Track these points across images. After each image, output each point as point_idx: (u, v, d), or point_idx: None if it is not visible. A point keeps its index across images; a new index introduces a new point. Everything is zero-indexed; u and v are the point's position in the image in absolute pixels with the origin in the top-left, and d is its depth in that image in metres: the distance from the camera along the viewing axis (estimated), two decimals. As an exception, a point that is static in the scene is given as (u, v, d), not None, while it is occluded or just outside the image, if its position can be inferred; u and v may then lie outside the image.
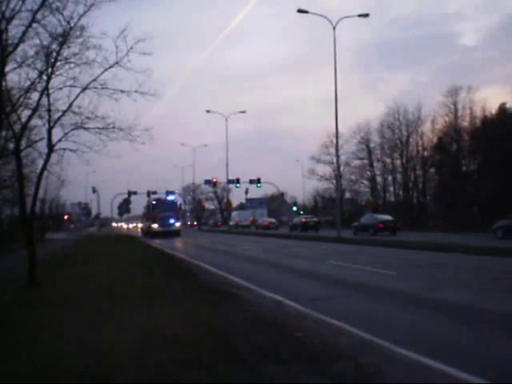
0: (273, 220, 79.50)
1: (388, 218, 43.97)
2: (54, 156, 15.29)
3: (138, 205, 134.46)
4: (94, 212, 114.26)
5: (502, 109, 56.25)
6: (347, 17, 39.03)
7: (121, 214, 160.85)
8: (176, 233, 55.11)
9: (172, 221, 55.82)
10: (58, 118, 14.53)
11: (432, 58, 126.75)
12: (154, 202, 59.06)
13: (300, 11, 37.41)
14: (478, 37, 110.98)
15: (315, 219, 58.67)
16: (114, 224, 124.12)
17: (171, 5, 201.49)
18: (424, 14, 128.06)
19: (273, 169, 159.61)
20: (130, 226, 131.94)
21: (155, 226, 55.24)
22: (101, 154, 15.57)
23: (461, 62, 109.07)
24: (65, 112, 14.52)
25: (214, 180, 77.59)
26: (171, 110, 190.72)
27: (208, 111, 68.54)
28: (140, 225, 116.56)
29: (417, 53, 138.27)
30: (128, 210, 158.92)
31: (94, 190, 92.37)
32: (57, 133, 14.76)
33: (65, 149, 15.30)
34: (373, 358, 6.55)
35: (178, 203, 63.20)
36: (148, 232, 57.83)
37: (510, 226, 29.59)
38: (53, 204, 66.39)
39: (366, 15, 38.79)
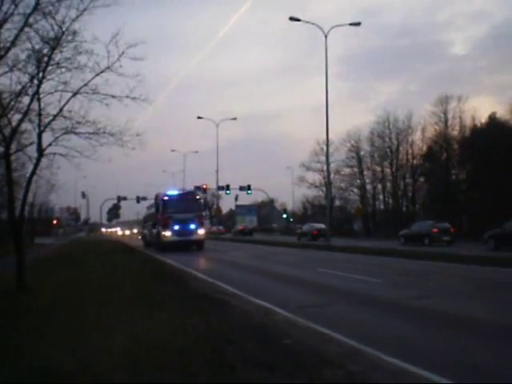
0: (221, 227, 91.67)
1: (322, 226, 50.91)
2: (43, 160, 15.25)
3: (128, 210, 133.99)
4: (83, 217, 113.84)
5: (492, 118, 56.60)
6: (339, 25, 39.20)
7: (110, 219, 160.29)
8: (198, 244, 37.54)
9: (193, 226, 37.20)
10: (49, 123, 14.49)
11: (422, 67, 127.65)
12: (165, 198, 38.07)
13: (292, 19, 37.57)
14: (468, 46, 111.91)
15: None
16: (103, 229, 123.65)
17: (162, 11, 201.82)
18: (413, 23, 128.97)
19: (263, 176, 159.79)
20: (127, 231, 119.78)
21: (167, 233, 36.68)
22: (91, 159, 15.51)
23: (450, 72, 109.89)
24: (55, 116, 14.48)
25: (204, 186, 77.44)
26: (162, 116, 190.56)
27: (199, 117, 68.48)
28: (135, 230, 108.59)
29: (407, 62, 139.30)
30: (117, 216, 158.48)
31: (84, 195, 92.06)
32: (47, 137, 14.71)
33: (55, 153, 15.25)
34: (361, 366, 6.56)
35: (202, 200, 43.45)
36: (156, 242, 39.33)
37: (501, 236, 29.63)
38: (42, 208, 66.16)
39: (358, 24, 39.02)
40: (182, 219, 36.63)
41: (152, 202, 40.47)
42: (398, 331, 8.94)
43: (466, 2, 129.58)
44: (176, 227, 36.48)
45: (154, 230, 40.23)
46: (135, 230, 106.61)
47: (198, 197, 40.04)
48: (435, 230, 37.26)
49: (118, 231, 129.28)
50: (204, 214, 41.01)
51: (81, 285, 14.45)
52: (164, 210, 37.17)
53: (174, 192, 39.39)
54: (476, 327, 9.08)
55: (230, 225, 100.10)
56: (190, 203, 38.12)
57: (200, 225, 37.71)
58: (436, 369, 6.43)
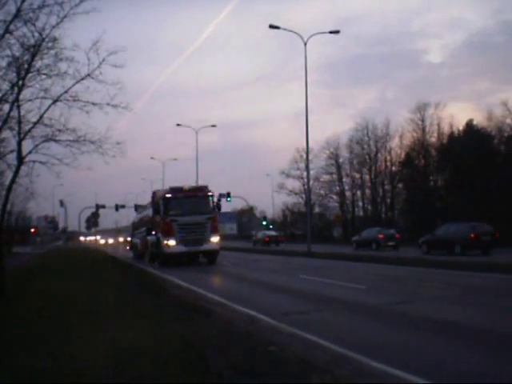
0: None
1: (273, 233, 63.02)
2: (23, 168, 15.12)
3: (106, 219, 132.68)
4: (61, 225, 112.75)
5: (469, 125, 57.31)
6: (318, 33, 39.37)
7: (88, 227, 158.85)
8: (210, 256, 29.72)
9: (204, 232, 28.75)
10: (29, 130, 14.39)
11: (399, 74, 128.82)
12: (167, 196, 29.21)
13: (272, 27, 37.65)
14: (445, 54, 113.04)
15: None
16: (81, 238, 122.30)
17: (141, 18, 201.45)
18: (391, 31, 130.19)
19: (242, 183, 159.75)
20: (110, 240, 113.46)
21: (171, 242, 28.33)
22: (71, 167, 15.43)
23: (428, 79, 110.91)
24: (35, 124, 14.39)
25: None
26: (141, 123, 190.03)
27: (178, 125, 68.15)
28: (121, 239, 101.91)
29: (385, 69, 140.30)
30: (96, 224, 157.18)
31: (62, 203, 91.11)
32: (27, 145, 14.61)
33: (35, 161, 15.14)
34: (347, 371, 6.59)
35: (214, 198, 31.28)
36: (154, 253, 31.17)
37: (432, 241, 33.07)
38: (19, 217, 65.38)
39: (337, 32, 39.18)
40: (189, 223, 28.24)
41: (167, 193, 28.87)
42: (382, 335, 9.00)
43: (443, 10, 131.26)
44: (182, 234, 28.02)
45: (151, 238, 31.66)
46: (121, 239, 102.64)
47: (210, 193, 29.76)
48: (381, 236, 41.40)
49: (100, 240, 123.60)
50: (217, 218, 29.96)
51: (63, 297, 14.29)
52: (166, 212, 28.42)
53: (179, 188, 29.62)
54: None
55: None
56: (201, 202, 29.26)
57: (213, 230, 28.82)
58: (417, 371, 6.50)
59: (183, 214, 28.29)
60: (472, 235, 30.33)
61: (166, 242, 28.12)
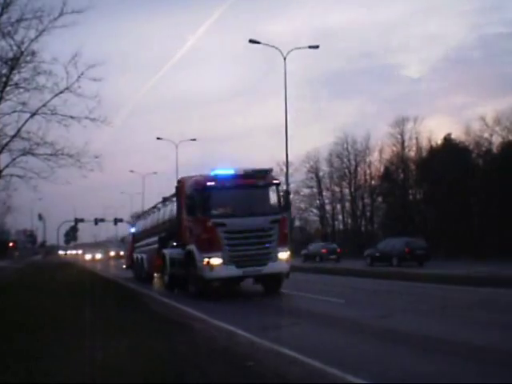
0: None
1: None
2: (0, 182, 15.01)
3: (85, 233, 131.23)
4: (40, 239, 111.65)
5: (447, 139, 57.88)
6: (298, 48, 39.68)
7: (67, 241, 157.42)
8: (274, 280, 18.60)
9: (268, 244, 17.69)
10: (6, 144, 14.36)
11: (378, 88, 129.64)
12: (210, 185, 17.68)
13: (251, 41, 37.82)
14: (423, 68, 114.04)
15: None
16: (60, 252, 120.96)
17: (120, 32, 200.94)
18: (370, 46, 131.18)
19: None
20: (98, 255, 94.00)
21: (216, 260, 17.05)
22: (48, 181, 15.37)
23: (406, 93, 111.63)
24: (13, 137, 14.36)
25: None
26: (120, 137, 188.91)
27: (158, 138, 67.87)
28: (112, 253, 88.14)
29: (364, 84, 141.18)
30: (75, 238, 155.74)
31: (41, 217, 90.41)
32: (4, 158, 14.52)
33: (12, 175, 15.05)
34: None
35: (282, 189, 21.35)
36: (180, 276, 19.93)
37: (375, 255, 36.89)
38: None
39: (316, 47, 39.50)
40: (245, 230, 17.48)
41: (207, 181, 17.97)
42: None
43: (421, 25, 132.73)
44: (234, 248, 17.23)
45: (173, 253, 20.55)
46: (112, 253, 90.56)
47: (275, 181, 18.97)
48: (324, 250, 46.94)
49: (84, 254, 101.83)
50: (287, 218, 19.72)
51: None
52: (205, 211, 17.53)
53: (227, 172, 18.26)
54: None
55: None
56: (262, 196, 18.65)
57: (281, 241, 17.92)
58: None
59: (235, 214, 17.57)
60: (406, 249, 33.94)
61: (206, 259, 16.89)
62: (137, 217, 35.82)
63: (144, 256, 27.87)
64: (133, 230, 35.12)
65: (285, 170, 45.28)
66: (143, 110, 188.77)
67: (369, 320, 11.94)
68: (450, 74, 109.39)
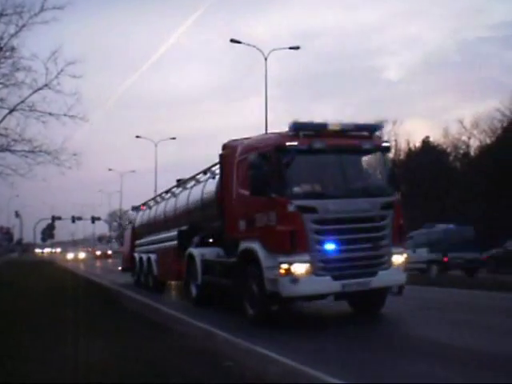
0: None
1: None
2: (-24, 179, 14.79)
3: (62, 231, 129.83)
4: (16, 237, 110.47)
5: (426, 142, 58.40)
6: (279, 49, 39.73)
7: (44, 239, 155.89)
8: (377, 297, 11.79)
9: (383, 245, 10.95)
10: (-17, 140, 14.12)
11: (358, 90, 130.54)
12: (289, 145, 10.78)
13: (233, 41, 37.79)
14: (402, 71, 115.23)
15: None
16: (37, 250, 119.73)
17: (101, 28, 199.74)
18: (350, 47, 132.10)
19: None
20: (82, 254, 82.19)
21: (300, 267, 10.29)
22: (26, 178, 15.21)
23: (385, 96, 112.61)
24: (-10, 134, 14.13)
25: (142, 206, 76.07)
26: (99, 134, 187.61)
27: (138, 136, 67.52)
28: (98, 252, 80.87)
29: (343, 85, 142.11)
30: (52, 236, 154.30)
31: (17, 215, 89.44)
32: (-19, 155, 14.31)
33: (-12, 172, 14.84)
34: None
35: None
36: (222, 287, 13.38)
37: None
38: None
39: (297, 48, 39.62)
40: (347, 219, 10.90)
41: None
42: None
43: (401, 28, 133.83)
44: (333, 246, 10.68)
45: (210, 253, 14.51)
46: (98, 252, 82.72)
47: (386, 144, 12.41)
48: None
49: (68, 253, 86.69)
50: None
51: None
52: (282, 188, 10.82)
53: (315, 125, 11.54)
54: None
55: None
56: (367, 165, 12.86)
57: (397, 237, 11.39)
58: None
59: (329, 193, 11.28)
60: None
61: (284, 265, 10.54)
62: (137, 207, 28.08)
63: (152, 256, 20.78)
64: (132, 221, 29.23)
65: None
66: (123, 107, 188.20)
67: None
68: (429, 77, 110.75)
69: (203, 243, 15.12)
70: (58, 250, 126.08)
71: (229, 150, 13.55)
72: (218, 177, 14.61)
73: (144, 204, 26.27)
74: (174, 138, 69.58)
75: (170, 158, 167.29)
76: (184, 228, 16.71)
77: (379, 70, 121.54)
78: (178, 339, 9.49)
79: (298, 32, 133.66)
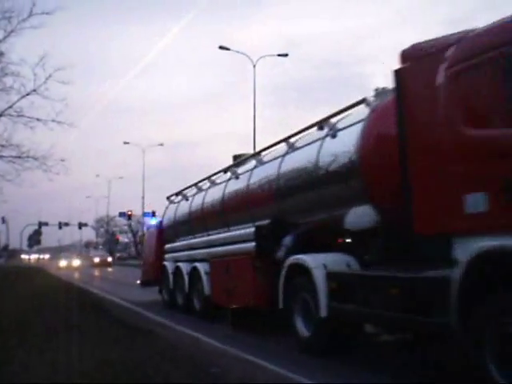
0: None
1: None
2: (-37, 184, 14.71)
3: (48, 237, 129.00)
4: (2, 243, 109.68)
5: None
6: (267, 55, 39.88)
7: (30, 245, 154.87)
8: None
9: None
10: (-30, 146, 14.07)
11: (346, 98, 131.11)
12: None
13: (222, 48, 37.87)
14: (390, 78, 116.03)
15: None
16: (23, 256, 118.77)
17: (89, 34, 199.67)
18: (338, 54, 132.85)
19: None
20: (77, 261, 67.48)
21: None
22: (13, 183, 15.17)
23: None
24: (-23, 139, 14.08)
25: (129, 213, 75.93)
26: (87, 140, 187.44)
27: (126, 143, 67.45)
28: (96, 259, 68.50)
29: (332, 92, 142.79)
30: (38, 242, 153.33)
31: (4, 220, 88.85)
32: (-33, 160, 14.26)
33: (-25, 177, 14.77)
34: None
35: None
36: None
37: None
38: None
39: (286, 55, 39.83)
40: None
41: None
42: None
43: (391, 36, 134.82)
44: None
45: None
46: (96, 259, 70.23)
47: None
48: None
49: (61, 260, 70.18)
50: None
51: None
52: None
53: None
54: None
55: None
56: None
57: None
58: None
59: None
60: None
61: None
62: (170, 197, 19.89)
63: (200, 267, 14.11)
64: (157, 220, 22.12)
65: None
66: (111, 114, 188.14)
67: None
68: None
69: (304, 246, 9.34)
70: (47, 256, 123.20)
71: (421, 58, 7.39)
72: (361, 125, 8.88)
73: (178, 193, 18.78)
74: (161, 145, 69.67)
75: (157, 165, 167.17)
76: (265, 222, 11.11)
77: (368, 77, 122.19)
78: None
79: (288, 39, 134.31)
